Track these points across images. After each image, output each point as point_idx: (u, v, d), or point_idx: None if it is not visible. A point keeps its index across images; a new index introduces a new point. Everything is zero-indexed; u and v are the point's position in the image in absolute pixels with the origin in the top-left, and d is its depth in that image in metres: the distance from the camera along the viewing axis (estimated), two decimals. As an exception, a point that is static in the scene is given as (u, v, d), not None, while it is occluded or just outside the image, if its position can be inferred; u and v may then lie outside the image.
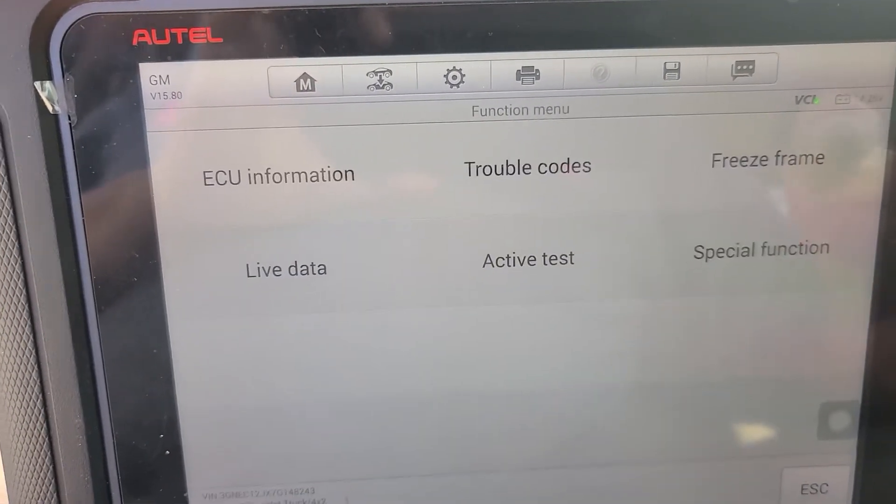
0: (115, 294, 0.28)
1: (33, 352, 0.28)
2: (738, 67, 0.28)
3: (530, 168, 0.28)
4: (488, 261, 0.29)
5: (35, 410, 0.28)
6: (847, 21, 0.27)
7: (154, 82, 0.26)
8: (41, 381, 0.28)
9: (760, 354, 0.31)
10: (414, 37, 0.26)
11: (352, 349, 0.29)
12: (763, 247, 0.29)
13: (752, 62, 0.27)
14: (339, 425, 0.30)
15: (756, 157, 0.29)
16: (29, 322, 0.27)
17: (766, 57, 0.27)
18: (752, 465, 0.32)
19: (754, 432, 0.32)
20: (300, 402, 0.30)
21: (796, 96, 0.28)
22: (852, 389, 0.31)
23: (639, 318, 0.30)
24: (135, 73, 0.26)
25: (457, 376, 0.30)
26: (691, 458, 0.32)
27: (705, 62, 0.27)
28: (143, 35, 0.26)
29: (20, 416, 0.28)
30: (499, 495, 0.31)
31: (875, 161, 0.29)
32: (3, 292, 0.27)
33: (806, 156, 0.29)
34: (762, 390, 0.31)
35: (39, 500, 0.29)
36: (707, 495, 0.32)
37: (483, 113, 0.27)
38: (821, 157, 0.29)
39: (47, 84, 0.26)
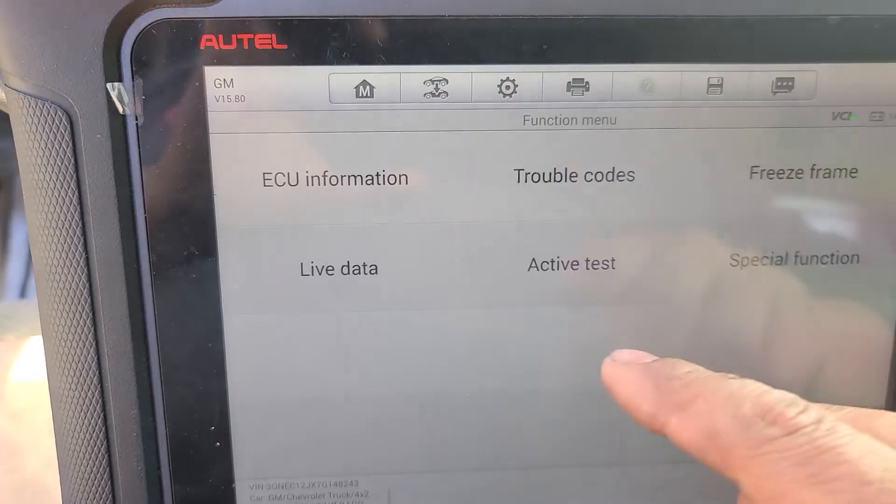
0: (173, 289, 0.29)
1: (93, 344, 0.29)
2: (779, 84, 0.29)
3: (577, 176, 0.29)
4: (533, 264, 0.30)
5: (93, 400, 0.29)
6: (884, 41, 0.28)
7: (219, 85, 0.27)
8: (100, 373, 0.29)
9: (789, 360, 0.32)
10: (470, 48, 0.27)
11: (399, 347, 0.30)
12: (796, 256, 0.31)
13: (792, 79, 0.29)
14: (383, 420, 0.31)
15: (792, 170, 0.30)
16: (91, 315, 0.28)
17: (805, 74, 0.29)
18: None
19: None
20: (346, 397, 0.31)
21: (833, 112, 0.29)
22: (878, 396, 0.32)
23: (676, 322, 0.31)
24: (201, 76, 0.27)
25: (500, 375, 0.31)
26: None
27: (747, 78, 0.28)
28: (210, 40, 0.27)
29: (78, 406, 0.29)
30: (543, 492, 0.32)
31: (906, 176, 0.30)
32: (67, 286, 0.28)
33: (840, 170, 0.30)
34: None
35: (94, 486, 0.30)
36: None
37: (534, 122, 0.28)
38: (854, 171, 0.30)
39: (118, 85, 0.27)
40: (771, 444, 0.18)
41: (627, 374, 0.22)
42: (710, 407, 0.19)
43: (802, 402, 0.19)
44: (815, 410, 0.19)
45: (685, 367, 0.21)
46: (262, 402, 0.30)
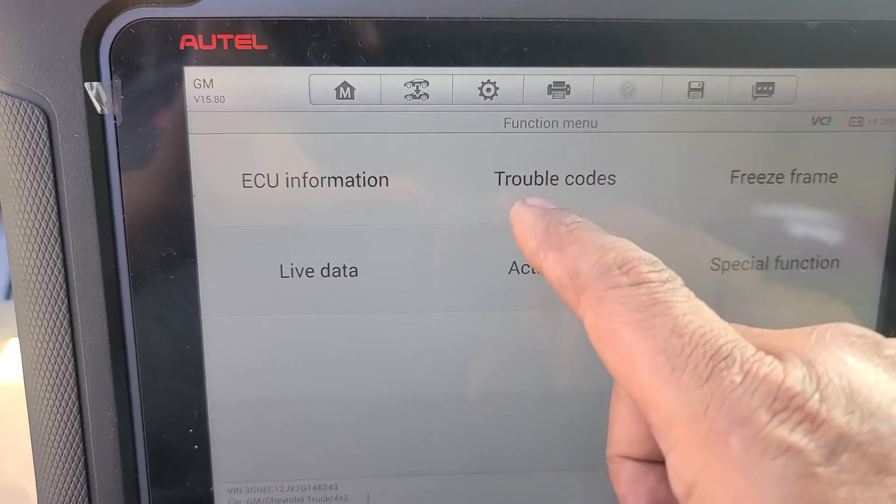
0: (151, 290, 0.29)
1: (70, 345, 0.28)
2: (759, 88, 0.29)
3: (557, 179, 0.29)
4: (514, 268, 0.30)
5: (70, 402, 0.29)
6: (863, 47, 0.28)
7: (198, 86, 0.27)
8: (77, 375, 0.29)
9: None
10: (451, 50, 0.27)
11: (379, 350, 0.30)
12: (776, 260, 0.31)
13: (773, 84, 0.29)
14: (363, 423, 0.31)
15: (773, 174, 0.30)
16: (67, 315, 0.28)
17: (785, 79, 0.29)
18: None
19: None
20: (326, 400, 0.31)
21: (813, 118, 0.29)
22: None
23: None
24: (180, 76, 0.27)
25: (480, 378, 0.31)
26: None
27: (728, 83, 0.29)
28: (189, 40, 0.27)
29: (55, 408, 0.29)
30: (524, 496, 0.32)
31: (885, 181, 0.30)
32: (44, 286, 0.28)
33: (820, 174, 0.30)
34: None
35: (70, 490, 0.30)
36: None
37: (514, 125, 0.28)
38: (834, 176, 0.30)
39: (96, 85, 0.26)
40: (617, 290, 0.20)
41: (528, 214, 0.24)
42: (581, 251, 0.21)
43: (662, 266, 0.20)
44: (668, 273, 0.20)
45: (576, 217, 0.23)
46: (240, 404, 0.30)
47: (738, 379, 0.17)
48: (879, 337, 0.19)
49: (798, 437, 0.16)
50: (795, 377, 0.17)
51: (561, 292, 0.21)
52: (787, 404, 0.16)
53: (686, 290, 0.20)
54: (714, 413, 0.17)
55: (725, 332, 0.18)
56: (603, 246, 0.21)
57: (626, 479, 0.22)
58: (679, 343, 0.18)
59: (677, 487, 0.18)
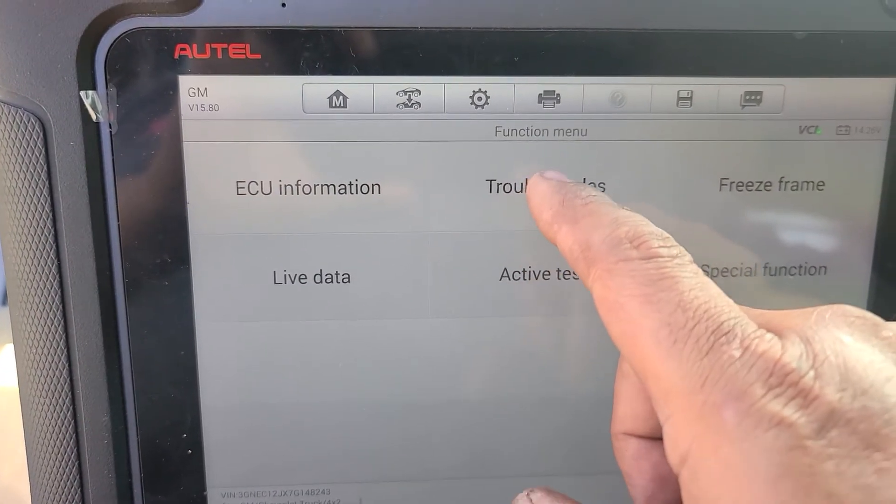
0: (145, 296, 0.29)
1: (65, 351, 0.29)
2: (747, 97, 0.29)
3: (548, 187, 0.29)
4: (505, 274, 0.30)
5: (64, 407, 0.29)
6: (849, 58, 0.29)
7: (193, 94, 0.27)
8: (71, 380, 0.29)
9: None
10: (442, 59, 0.28)
11: (371, 355, 0.30)
12: (765, 267, 0.31)
13: (760, 93, 0.29)
14: (355, 428, 0.31)
15: (761, 182, 0.30)
16: (62, 321, 0.28)
17: (773, 88, 0.29)
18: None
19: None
20: (319, 405, 0.31)
21: (800, 126, 0.30)
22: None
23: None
24: (175, 85, 0.27)
25: (473, 383, 0.31)
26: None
27: (716, 91, 0.29)
28: (184, 49, 0.27)
29: (49, 413, 0.29)
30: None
31: (872, 189, 0.31)
32: (39, 292, 0.28)
33: (807, 182, 0.30)
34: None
35: (64, 494, 0.30)
36: None
37: (505, 133, 0.29)
38: (821, 184, 0.30)
39: (91, 93, 0.27)
40: (627, 263, 0.20)
41: (545, 186, 0.24)
42: (594, 223, 0.21)
43: (672, 242, 0.21)
44: (677, 249, 0.20)
45: (591, 192, 0.23)
46: (234, 409, 0.30)
47: (737, 354, 0.17)
48: (878, 319, 0.19)
49: (790, 412, 0.16)
50: (792, 354, 0.17)
51: (572, 263, 0.22)
52: (782, 380, 0.17)
53: (694, 266, 0.20)
54: (711, 386, 0.17)
55: (729, 309, 0.19)
56: (616, 220, 0.21)
57: (631, 455, 0.23)
58: (683, 317, 0.18)
59: (672, 456, 0.18)
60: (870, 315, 0.19)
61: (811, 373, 0.17)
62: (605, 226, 0.21)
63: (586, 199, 0.23)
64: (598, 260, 0.20)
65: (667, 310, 0.18)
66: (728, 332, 0.18)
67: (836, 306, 0.19)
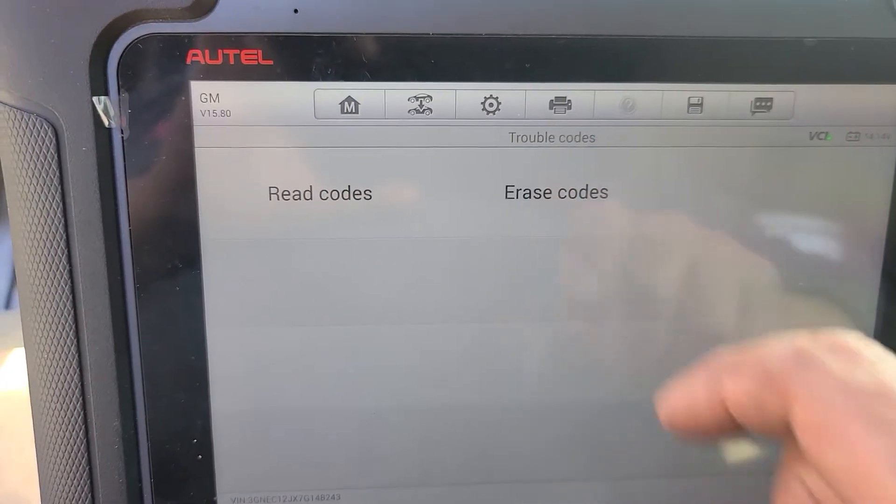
0: (156, 302, 0.29)
1: (76, 356, 0.29)
2: (757, 104, 0.29)
3: (560, 192, 0.29)
4: (517, 280, 0.30)
5: (75, 412, 0.29)
6: (860, 64, 0.29)
7: (204, 100, 0.27)
8: (82, 385, 0.29)
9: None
10: (454, 65, 0.28)
11: (382, 361, 0.30)
12: (775, 273, 0.31)
13: (771, 99, 0.29)
14: (365, 434, 0.31)
15: (770, 188, 0.30)
16: (73, 326, 0.28)
17: (783, 95, 0.29)
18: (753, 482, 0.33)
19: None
20: (329, 411, 0.31)
21: (810, 132, 0.30)
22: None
23: (654, 337, 0.31)
24: (186, 91, 0.27)
25: (484, 390, 0.31)
26: (703, 473, 0.33)
27: (727, 98, 0.29)
28: (196, 55, 0.27)
29: (60, 418, 0.29)
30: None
31: (882, 195, 0.31)
32: (51, 297, 0.28)
33: (817, 189, 0.30)
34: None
35: (74, 499, 0.30)
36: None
37: (521, 139, 0.29)
38: (831, 190, 0.30)
39: (104, 99, 0.27)
40: (830, 375, 0.17)
41: (675, 390, 0.21)
42: (756, 356, 0.19)
43: (865, 338, 0.18)
44: (877, 346, 0.18)
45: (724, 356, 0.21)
46: (244, 415, 0.30)
47: None
48: None
49: None
50: None
51: (758, 410, 0.18)
52: None
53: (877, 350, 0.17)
54: None
55: None
56: (777, 341, 0.19)
57: None
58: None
59: None
60: None
61: None
62: (771, 346, 0.18)
63: (725, 358, 0.20)
64: (789, 376, 0.17)
65: None
66: None
67: None
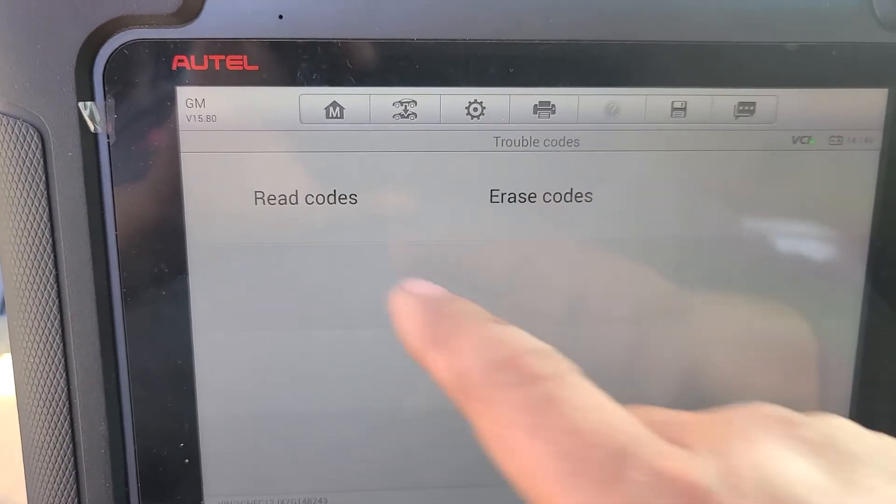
0: (143, 306, 0.29)
1: (62, 361, 0.29)
2: (741, 108, 0.29)
3: (545, 196, 0.29)
4: (501, 284, 0.30)
5: (62, 417, 0.29)
6: (842, 68, 0.29)
7: (190, 105, 0.28)
8: (69, 389, 0.29)
9: (751, 381, 0.32)
10: (438, 70, 0.28)
11: (369, 363, 0.30)
12: (756, 277, 0.31)
13: (754, 103, 0.29)
14: (353, 438, 0.31)
15: (753, 192, 0.30)
16: (59, 331, 0.28)
17: (766, 99, 0.29)
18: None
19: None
20: (316, 414, 0.31)
21: (793, 136, 0.30)
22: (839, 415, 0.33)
23: (637, 343, 0.31)
24: (172, 96, 0.27)
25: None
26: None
27: (710, 102, 0.29)
28: (182, 60, 0.27)
29: (46, 422, 0.29)
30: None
31: (865, 199, 0.31)
32: (37, 302, 0.28)
33: (800, 192, 0.30)
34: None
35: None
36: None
37: (506, 144, 0.29)
38: (814, 193, 0.31)
39: (90, 104, 0.27)
40: (506, 391, 0.18)
41: (409, 306, 0.21)
42: (464, 346, 0.19)
43: (556, 356, 0.19)
44: (563, 365, 0.19)
45: (460, 306, 0.21)
46: (231, 418, 0.31)
47: (644, 479, 0.16)
48: (793, 415, 0.18)
49: None
50: (705, 473, 0.16)
51: (448, 393, 0.20)
52: (693, 502, 0.15)
53: (583, 381, 0.18)
54: None
55: (627, 426, 0.17)
56: (489, 340, 0.19)
57: None
58: (578, 445, 0.16)
59: None
60: (785, 412, 0.18)
61: (729, 492, 0.15)
62: (478, 348, 0.19)
63: (454, 316, 0.20)
64: (474, 390, 0.18)
65: (559, 438, 0.17)
66: (631, 453, 0.16)
67: (748, 408, 0.18)
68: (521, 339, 0.19)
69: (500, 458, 0.18)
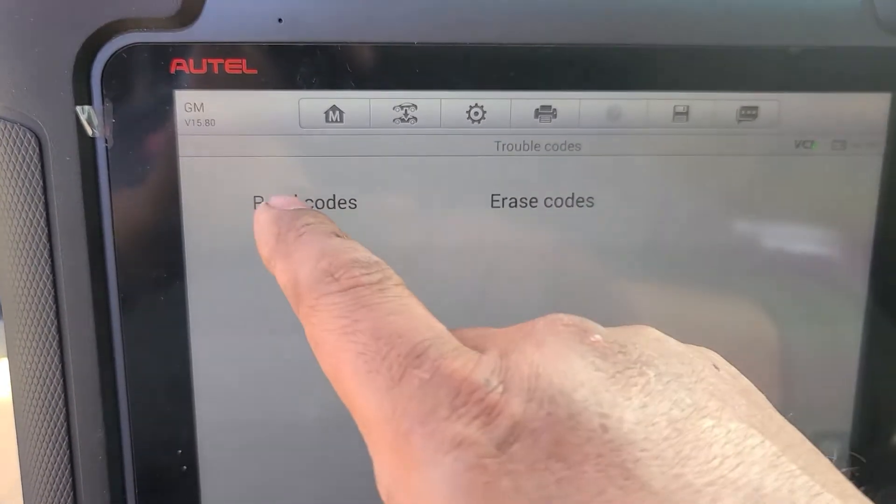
0: (140, 311, 0.29)
1: (59, 366, 0.28)
2: (743, 112, 0.29)
3: (537, 201, 0.29)
4: (501, 288, 0.30)
5: (59, 423, 0.29)
6: (844, 73, 0.29)
7: (189, 109, 0.27)
8: (65, 394, 0.29)
9: (752, 381, 0.32)
10: (439, 74, 0.28)
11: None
12: (759, 282, 0.31)
13: (756, 108, 0.29)
14: (351, 446, 0.31)
15: (756, 196, 0.30)
16: (57, 336, 0.28)
17: (769, 103, 0.29)
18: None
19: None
20: (315, 422, 0.31)
21: (796, 141, 0.30)
22: (843, 419, 0.32)
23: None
24: (170, 100, 0.27)
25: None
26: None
27: (712, 106, 0.29)
28: (180, 64, 0.27)
29: (43, 429, 0.29)
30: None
31: (868, 203, 0.31)
32: (34, 307, 0.28)
33: (803, 197, 0.30)
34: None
35: (58, 512, 0.30)
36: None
37: (507, 148, 0.29)
38: (817, 198, 0.30)
39: (88, 108, 0.27)
40: (327, 298, 0.19)
41: (265, 218, 0.22)
42: (302, 258, 0.20)
43: (378, 268, 0.20)
44: (381, 274, 0.19)
45: (308, 219, 0.22)
46: (229, 426, 0.30)
47: (427, 377, 0.16)
48: (590, 324, 0.18)
49: (472, 431, 0.15)
50: (483, 371, 0.16)
51: (291, 303, 0.21)
52: (467, 399, 0.16)
53: (398, 289, 0.19)
54: (401, 413, 0.16)
55: (426, 330, 0.18)
56: (321, 251, 0.20)
57: None
58: (376, 345, 0.17)
59: (382, 494, 0.17)
60: (582, 321, 0.18)
61: (499, 387, 0.16)
62: (311, 259, 0.20)
63: (300, 229, 0.21)
64: (303, 297, 0.19)
65: (362, 339, 0.18)
66: (420, 354, 0.17)
67: (549, 315, 0.18)
68: (353, 251, 0.20)
69: (319, 359, 0.19)
